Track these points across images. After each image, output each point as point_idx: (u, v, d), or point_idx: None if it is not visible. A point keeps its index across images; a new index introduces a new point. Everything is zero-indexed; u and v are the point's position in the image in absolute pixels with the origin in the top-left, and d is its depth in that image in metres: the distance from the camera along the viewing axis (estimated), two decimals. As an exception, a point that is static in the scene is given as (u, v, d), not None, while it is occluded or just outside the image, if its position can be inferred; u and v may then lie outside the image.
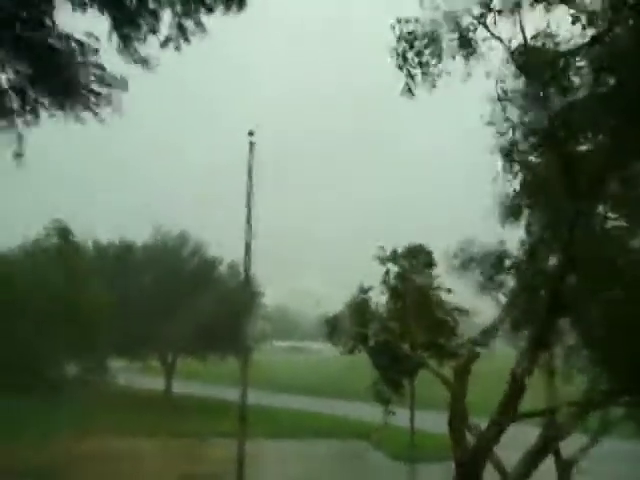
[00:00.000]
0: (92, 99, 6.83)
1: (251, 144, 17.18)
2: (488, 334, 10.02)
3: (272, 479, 22.01)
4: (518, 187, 9.46)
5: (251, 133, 17.22)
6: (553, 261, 9.38)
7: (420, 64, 8.48)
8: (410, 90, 8.55)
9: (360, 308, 11.08)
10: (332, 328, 11.10)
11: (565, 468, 10.28)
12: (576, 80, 8.26)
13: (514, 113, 8.40)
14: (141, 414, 33.20)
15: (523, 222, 9.85)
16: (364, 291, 11.52)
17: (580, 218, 8.37)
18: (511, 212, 9.56)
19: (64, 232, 34.64)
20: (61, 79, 6.68)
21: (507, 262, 10.61)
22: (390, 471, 24.85)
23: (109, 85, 6.82)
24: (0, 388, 27.43)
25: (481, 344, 10.10)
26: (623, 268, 8.55)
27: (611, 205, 9.32)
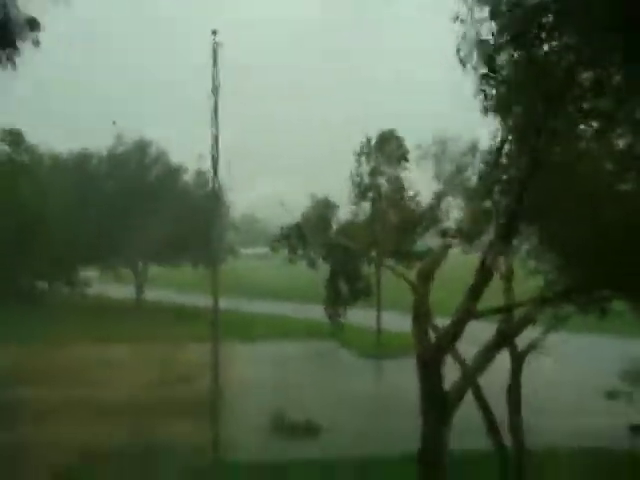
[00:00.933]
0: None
1: (215, 44, 16.28)
2: (450, 237, 10.27)
3: (246, 379, 22.97)
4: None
5: (214, 32, 16.26)
6: (520, 163, 9.42)
7: None
8: None
9: (320, 218, 10.97)
10: (286, 238, 11.03)
11: (518, 359, 11.00)
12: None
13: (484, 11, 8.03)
14: (114, 322, 33.78)
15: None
16: (325, 204, 11.32)
17: (548, 121, 8.34)
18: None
19: (18, 141, 33.27)
20: None
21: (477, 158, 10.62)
22: (358, 367, 26.25)
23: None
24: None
25: (447, 243, 10.35)
26: (586, 176, 8.67)
27: (580, 111, 9.25)
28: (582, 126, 9.18)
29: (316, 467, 14.47)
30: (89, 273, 40.84)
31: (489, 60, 8.26)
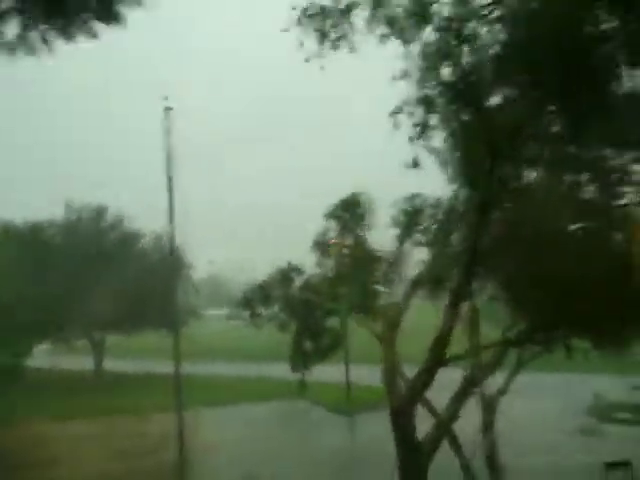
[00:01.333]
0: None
1: (166, 110, 16.55)
2: (413, 288, 10.43)
3: (214, 445, 22.16)
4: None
5: (165, 98, 16.57)
6: (471, 218, 9.72)
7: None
8: None
9: (283, 278, 11.01)
10: (248, 301, 10.97)
11: (489, 404, 11.05)
12: (486, 35, 8.41)
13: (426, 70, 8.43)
14: (73, 396, 32.33)
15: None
16: (289, 267, 11.33)
17: (495, 175, 8.70)
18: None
19: None
20: None
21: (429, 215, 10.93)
22: (331, 424, 25.71)
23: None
24: None
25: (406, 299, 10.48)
26: (537, 227, 9.00)
27: (526, 161, 9.68)
28: (527, 173, 9.64)
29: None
30: (42, 347, 39.12)
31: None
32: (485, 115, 8.17)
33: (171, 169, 16.59)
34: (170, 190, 16.72)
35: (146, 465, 19.51)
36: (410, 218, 10.80)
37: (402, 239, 10.63)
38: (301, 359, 10.84)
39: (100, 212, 40.90)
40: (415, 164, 8.46)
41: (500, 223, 9.43)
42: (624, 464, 16.05)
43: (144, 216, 39.28)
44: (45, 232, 40.25)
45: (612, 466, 16.16)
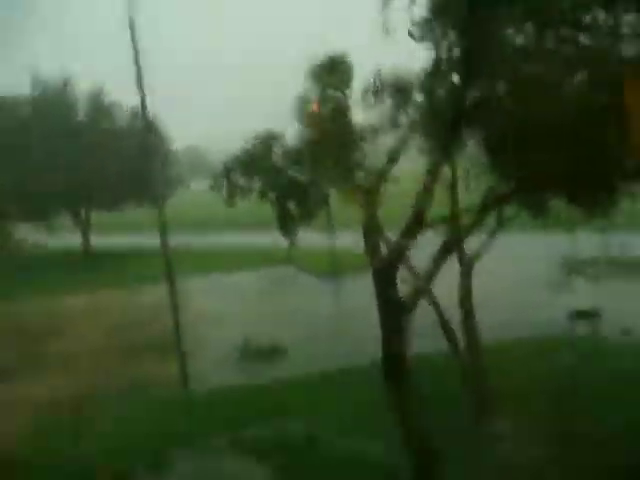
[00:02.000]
0: None
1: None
2: (396, 152, 10.31)
3: (207, 311, 23.17)
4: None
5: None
6: (456, 77, 9.38)
7: None
8: None
9: (264, 147, 10.70)
10: (227, 173, 10.74)
11: (467, 265, 11.47)
12: None
13: None
14: (62, 272, 33.02)
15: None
16: (268, 134, 10.94)
17: (481, 28, 8.26)
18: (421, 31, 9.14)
19: None
20: None
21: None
22: (317, 288, 26.90)
23: None
24: None
25: (389, 161, 10.40)
26: (522, 80, 8.69)
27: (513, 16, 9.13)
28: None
29: (284, 384, 15.03)
30: (27, 226, 39.13)
31: None
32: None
33: (135, 39, 15.50)
34: (137, 59, 15.77)
35: (142, 336, 20.47)
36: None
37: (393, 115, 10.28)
38: (288, 223, 10.91)
39: (69, 85, 38.95)
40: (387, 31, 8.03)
41: (488, 79, 9.12)
42: (592, 313, 17.22)
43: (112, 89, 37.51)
44: (12, 107, 38.54)
45: (581, 314, 17.36)
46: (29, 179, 34.29)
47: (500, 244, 12.11)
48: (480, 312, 11.85)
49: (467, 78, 8.69)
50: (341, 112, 10.68)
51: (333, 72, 10.73)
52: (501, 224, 11.52)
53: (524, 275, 22.88)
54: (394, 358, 9.42)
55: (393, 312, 9.29)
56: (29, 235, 37.28)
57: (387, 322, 9.36)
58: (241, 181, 10.94)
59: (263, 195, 10.80)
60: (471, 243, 11.29)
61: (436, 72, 9.45)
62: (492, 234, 11.59)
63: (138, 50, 15.61)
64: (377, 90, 10.35)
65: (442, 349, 11.64)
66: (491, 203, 9.94)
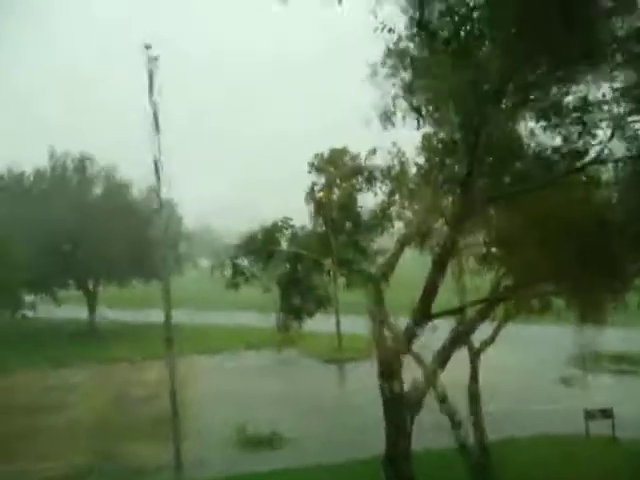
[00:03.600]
0: None
1: (150, 59, 16.02)
2: (402, 242, 10.38)
3: (207, 392, 22.58)
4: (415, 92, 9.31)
5: (148, 47, 16.00)
6: (461, 166, 9.59)
7: None
8: None
9: (270, 232, 10.92)
10: (230, 257, 10.94)
11: (475, 355, 11.23)
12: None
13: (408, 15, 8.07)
14: (68, 344, 32.70)
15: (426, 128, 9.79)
16: (280, 224, 11.24)
17: (486, 121, 8.51)
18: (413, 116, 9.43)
19: None
20: None
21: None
22: (320, 372, 26.23)
23: None
24: None
25: (397, 250, 10.45)
26: (529, 169, 8.88)
27: (516, 109, 9.47)
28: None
29: (284, 475, 14.35)
30: (34, 297, 39.16)
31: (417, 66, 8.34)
32: (473, 62, 7.90)
33: (157, 116, 16.18)
34: (157, 137, 16.37)
35: (140, 414, 19.88)
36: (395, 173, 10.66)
37: (390, 195, 10.51)
38: (289, 314, 10.89)
39: (85, 161, 40.19)
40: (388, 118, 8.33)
41: (492, 170, 9.30)
42: (604, 411, 16.54)
43: (129, 162, 38.62)
44: (30, 182, 39.71)
45: (592, 413, 16.67)
46: (41, 251, 34.66)
47: (509, 334, 11.91)
48: (490, 405, 11.46)
49: (473, 167, 8.84)
50: (350, 200, 10.92)
51: (336, 164, 11.11)
52: (510, 315, 11.40)
53: (533, 367, 22.30)
54: (397, 458, 8.99)
55: (397, 409, 8.98)
56: (36, 306, 37.22)
57: (391, 418, 9.01)
58: (245, 265, 11.03)
59: (266, 290, 10.84)
60: (480, 333, 11.10)
61: (442, 159, 9.68)
62: (500, 326, 11.43)
63: (158, 129, 16.19)
64: (371, 178, 10.61)
65: (450, 444, 11.15)
66: (497, 297, 9.87)
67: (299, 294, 10.78)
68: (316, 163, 11.56)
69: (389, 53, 8.01)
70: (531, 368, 22.38)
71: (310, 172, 11.04)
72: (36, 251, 33.70)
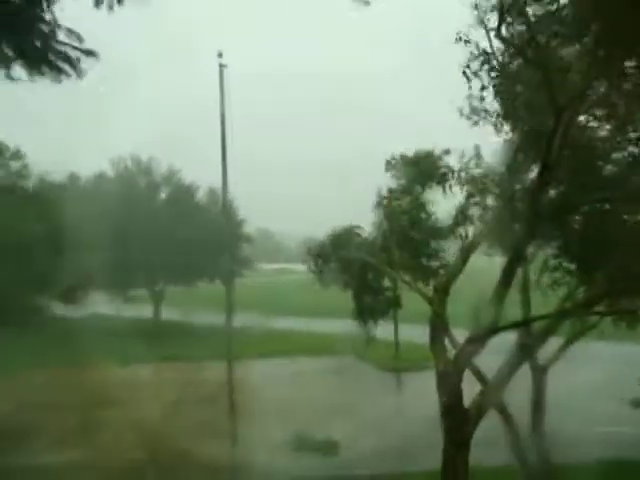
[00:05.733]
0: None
1: (221, 67, 16.48)
2: (468, 250, 10.13)
3: (265, 398, 22.78)
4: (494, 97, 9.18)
5: (220, 55, 16.45)
6: (533, 174, 9.32)
7: None
8: None
9: (342, 237, 11.08)
10: (315, 256, 11.17)
11: (540, 373, 10.77)
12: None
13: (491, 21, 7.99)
14: (133, 342, 33.81)
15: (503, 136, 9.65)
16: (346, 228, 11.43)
17: (560, 129, 8.22)
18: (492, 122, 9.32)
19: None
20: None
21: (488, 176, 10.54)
22: (377, 381, 26.00)
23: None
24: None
25: (462, 259, 10.22)
26: (604, 179, 8.52)
27: (592, 115, 9.14)
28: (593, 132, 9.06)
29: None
30: (103, 296, 40.89)
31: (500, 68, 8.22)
32: (550, 73, 7.63)
33: (225, 128, 16.65)
34: (223, 143, 16.81)
35: (201, 412, 20.27)
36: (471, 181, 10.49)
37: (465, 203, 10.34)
38: (363, 317, 11.05)
39: (153, 164, 41.81)
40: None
41: (565, 178, 8.96)
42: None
43: (197, 170, 39.73)
44: (98, 186, 41.69)
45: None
46: (112, 253, 36.22)
47: (577, 351, 11.37)
48: (553, 425, 10.96)
49: (546, 175, 8.56)
50: (419, 206, 10.83)
51: (417, 167, 10.98)
52: (578, 331, 10.86)
53: (601, 386, 21.17)
54: (452, 470, 8.74)
55: (455, 423, 8.73)
56: (106, 305, 38.85)
57: (449, 432, 8.77)
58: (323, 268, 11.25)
59: (346, 285, 10.99)
60: (547, 349, 10.65)
61: (513, 165, 9.42)
62: (569, 342, 10.91)
63: (225, 140, 16.66)
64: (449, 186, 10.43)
65: (510, 461, 10.74)
66: (568, 311, 9.42)
67: (370, 295, 10.90)
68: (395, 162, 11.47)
69: (471, 57, 7.94)
70: (599, 387, 21.27)
71: (387, 171, 10.99)
72: (106, 253, 35.25)
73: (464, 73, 8.25)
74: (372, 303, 11.01)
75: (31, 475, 14.83)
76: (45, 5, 6.31)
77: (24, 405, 21.02)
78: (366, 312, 10.92)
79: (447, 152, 10.77)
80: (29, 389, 23.14)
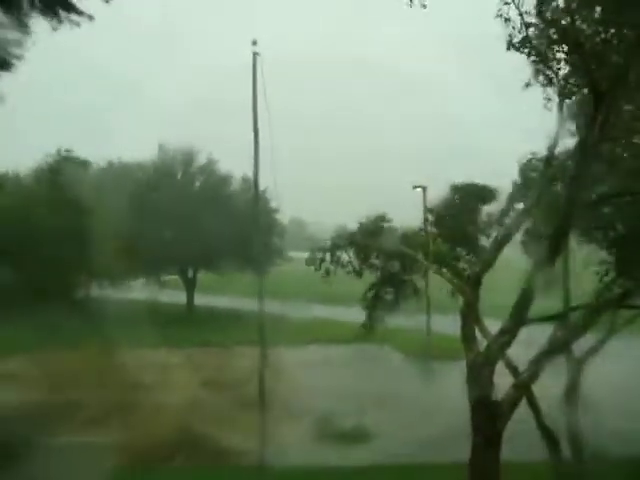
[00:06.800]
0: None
1: (254, 55, 16.51)
2: (501, 243, 9.93)
3: (294, 384, 22.94)
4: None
5: (254, 43, 16.47)
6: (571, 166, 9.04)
7: None
8: None
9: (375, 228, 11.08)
10: (330, 250, 11.18)
11: (576, 367, 10.51)
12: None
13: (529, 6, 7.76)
14: (166, 326, 34.43)
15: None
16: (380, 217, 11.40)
17: (599, 115, 7.94)
18: None
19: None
20: None
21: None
22: (409, 370, 25.92)
23: None
24: (26, 304, 28.48)
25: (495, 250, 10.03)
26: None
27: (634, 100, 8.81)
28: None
29: (362, 473, 14.28)
30: (138, 281, 41.70)
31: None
32: (589, 57, 7.35)
33: (256, 110, 16.65)
34: (256, 135, 16.86)
35: (231, 396, 20.55)
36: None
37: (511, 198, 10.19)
38: (378, 307, 10.98)
39: (191, 155, 42.24)
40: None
41: (605, 173, 8.68)
42: None
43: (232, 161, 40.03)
44: (139, 172, 42.41)
45: None
46: (147, 238, 36.88)
47: (615, 345, 11.03)
48: (590, 420, 10.69)
49: (582, 169, 8.31)
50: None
51: None
52: (617, 326, 10.53)
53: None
54: (482, 464, 8.60)
55: (486, 416, 8.56)
56: (141, 290, 39.66)
57: (478, 425, 8.62)
58: (344, 257, 11.19)
59: (359, 274, 10.91)
60: (582, 343, 10.37)
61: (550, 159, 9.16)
62: (607, 336, 10.59)
63: (257, 129, 16.67)
64: None
65: (543, 456, 10.52)
66: (605, 304, 9.14)
67: (393, 287, 10.86)
68: None
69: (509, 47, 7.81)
70: (636, 383, 20.68)
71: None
72: (142, 238, 35.94)
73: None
74: (392, 295, 10.96)
75: (68, 451, 15.27)
76: None
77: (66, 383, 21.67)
78: (383, 303, 10.89)
79: None
80: (71, 368, 23.84)
